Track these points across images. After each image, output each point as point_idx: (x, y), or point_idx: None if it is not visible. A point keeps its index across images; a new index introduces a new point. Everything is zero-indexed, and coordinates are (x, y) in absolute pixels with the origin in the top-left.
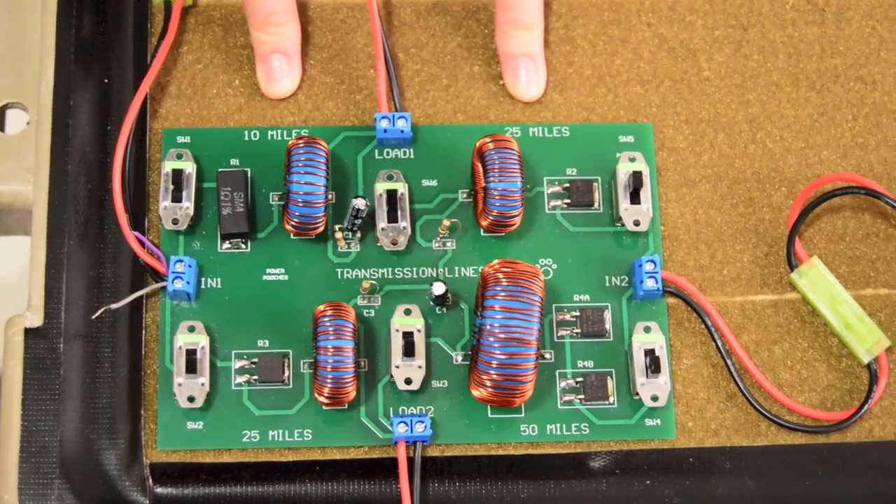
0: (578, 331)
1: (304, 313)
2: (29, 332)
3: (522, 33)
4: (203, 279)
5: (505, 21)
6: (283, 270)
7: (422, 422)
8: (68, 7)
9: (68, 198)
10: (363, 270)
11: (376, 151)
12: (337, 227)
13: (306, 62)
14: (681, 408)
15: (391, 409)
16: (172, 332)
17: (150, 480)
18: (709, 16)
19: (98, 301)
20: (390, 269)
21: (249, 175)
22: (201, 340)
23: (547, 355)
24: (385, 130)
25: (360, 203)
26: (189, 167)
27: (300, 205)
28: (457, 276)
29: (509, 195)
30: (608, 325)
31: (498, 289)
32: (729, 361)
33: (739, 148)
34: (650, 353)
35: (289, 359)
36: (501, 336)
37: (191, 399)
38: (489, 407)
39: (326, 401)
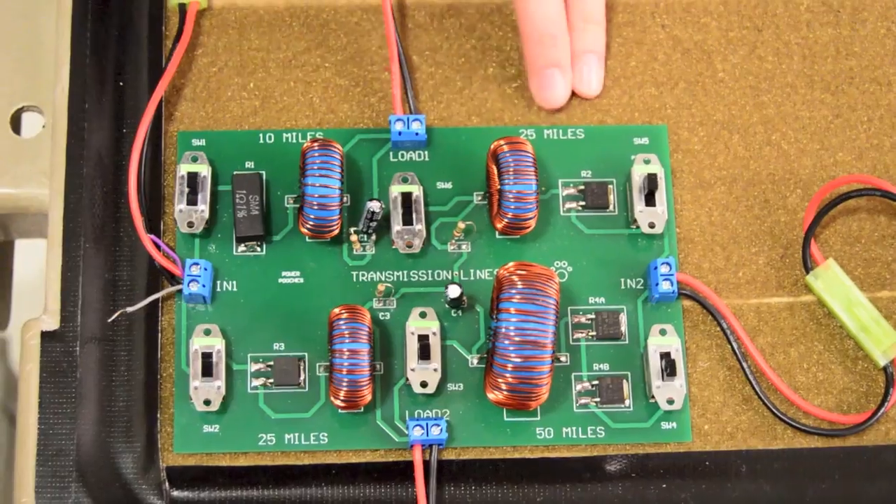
0: (594, 333)
1: (319, 316)
2: (45, 336)
3: (593, 28)
4: (218, 282)
5: (575, 16)
6: (298, 273)
7: (437, 425)
8: (83, 10)
9: (84, 201)
10: (378, 273)
11: (391, 154)
12: (352, 229)
13: (321, 65)
14: (696, 411)
15: (407, 412)
16: (188, 335)
17: (167, 484)
18: (723, 17)
19: (114, 304)
20: (405, 272)
21: (264, 178)
22: (217, 343)
23: (562, 358)
24: (400, 133)
25: (374, 206)
26: (204, 170)
27: (315, 207)
28: (472, 278)
29: (524, 197)
30: (623, 328)
31: (513, 291)
32: (745, 364)
33: (754, 150)
34: (666, 356)
35: (304, 362)
36: (517, 339)
37: (207, 402)
38: (505, 410)
39: (342, 404)
